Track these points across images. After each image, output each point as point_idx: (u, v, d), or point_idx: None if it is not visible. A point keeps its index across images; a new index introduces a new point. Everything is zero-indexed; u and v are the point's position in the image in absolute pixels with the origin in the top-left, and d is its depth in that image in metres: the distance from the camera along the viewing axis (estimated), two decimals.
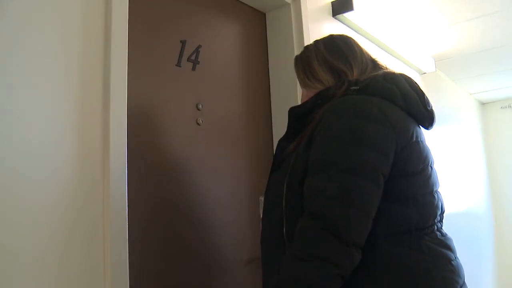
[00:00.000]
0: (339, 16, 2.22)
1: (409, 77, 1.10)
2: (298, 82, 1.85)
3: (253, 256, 1.69)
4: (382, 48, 2.74)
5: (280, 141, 1.19)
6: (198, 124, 1.59)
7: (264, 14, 2.01)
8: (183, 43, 1.57)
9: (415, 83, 1.09)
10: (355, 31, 2.41)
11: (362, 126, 0.93)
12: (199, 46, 1.64)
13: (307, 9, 1.96)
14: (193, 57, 1.60)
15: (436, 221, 1.02)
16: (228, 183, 1.67)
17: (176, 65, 1.54)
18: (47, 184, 0.99)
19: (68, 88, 1.07)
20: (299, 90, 1.81)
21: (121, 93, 1.18)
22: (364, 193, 0.89)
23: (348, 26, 2.35)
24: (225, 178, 1.66)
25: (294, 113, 1.16)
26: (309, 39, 1.90)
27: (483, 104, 5.41)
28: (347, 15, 2.21)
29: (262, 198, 1.87)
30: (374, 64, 1.16)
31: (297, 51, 1.87)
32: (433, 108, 1.11)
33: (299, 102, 1.26)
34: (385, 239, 0.93)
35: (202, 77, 1.64)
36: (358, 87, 1.05)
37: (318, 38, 1.23)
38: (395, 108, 1.01)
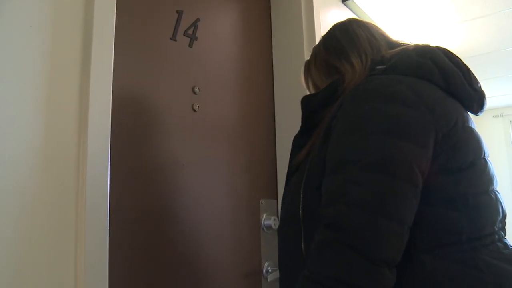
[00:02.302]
0: (348, 2, 2.02)
1: (447, 50, 0.89)
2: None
3: (252, 269, 1.45)
4: None
5: (295, 139, 0.98)
6: (194, 110, 1.34)
7: None
8: (180, 13, 1.32)
9: (457, 56, 0.88)
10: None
11: (392, 111, 0.75)
12: (198, 20, 1.39)
13: None
14: (190, 31, 1.35)
15: (496, 229, 0.80)
16: (226, 181, 1.43)
17: (170, 38, 1.29)
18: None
19: (36, 61, 0.84)
20: None
21: (104, 68, 0.96)
22: (396, 196, 0.70)
23: (356, 14, 2.15)
24: (222, 175, 1.41)
25: (308, 103, 0.95)
26: (319, 22, 1.68)
27: None
28: (357, 0, 2.00)
29: (263, 201, 1.65)
30: (392, 46, 0.94)
31: (306, 35, 1.65)
32: (482, 88, 0.90)
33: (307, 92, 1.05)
34: (427, 253, 0.73)
35: (200, 56, 1.39)
36: (384, 66, 0.85)
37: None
38: (433, 87, 0.81)
